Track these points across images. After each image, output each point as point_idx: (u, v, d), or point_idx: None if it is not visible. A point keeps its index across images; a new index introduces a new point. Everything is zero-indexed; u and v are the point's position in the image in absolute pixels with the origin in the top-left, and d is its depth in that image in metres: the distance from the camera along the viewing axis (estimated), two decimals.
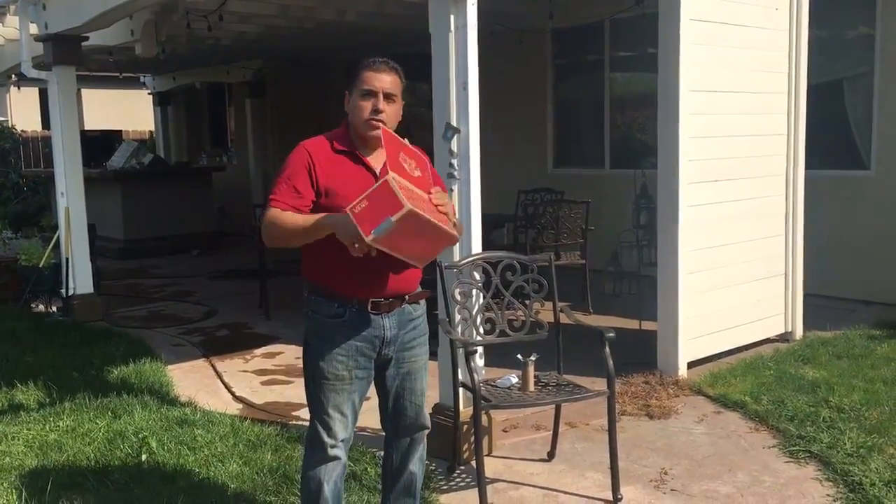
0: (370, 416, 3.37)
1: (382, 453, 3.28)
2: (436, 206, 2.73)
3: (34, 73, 7.90)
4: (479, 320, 4.00)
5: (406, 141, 2.84)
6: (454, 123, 4.05)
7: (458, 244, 3.58)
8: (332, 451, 2.97)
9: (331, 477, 2.99)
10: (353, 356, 2.93)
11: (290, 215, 2.82)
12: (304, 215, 2.82)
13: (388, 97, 2.89)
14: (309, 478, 3.01)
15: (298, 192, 2.84)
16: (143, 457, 4.19)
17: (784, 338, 6.22)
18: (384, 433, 3.20)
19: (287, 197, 2.84)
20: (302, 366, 3.05)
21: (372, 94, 2.88)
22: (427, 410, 3.19)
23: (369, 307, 2.91)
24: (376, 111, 2.87)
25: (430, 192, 2.74)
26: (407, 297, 2.99)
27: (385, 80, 2.89)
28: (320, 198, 2.86)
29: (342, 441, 2.99)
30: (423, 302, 3.09)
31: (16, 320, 7.47)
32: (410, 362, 3.05)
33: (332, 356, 2.92)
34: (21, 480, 3.96)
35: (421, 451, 3.19)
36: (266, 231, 2.88)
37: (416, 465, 3.18)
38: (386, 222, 2.57)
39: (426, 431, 3.19)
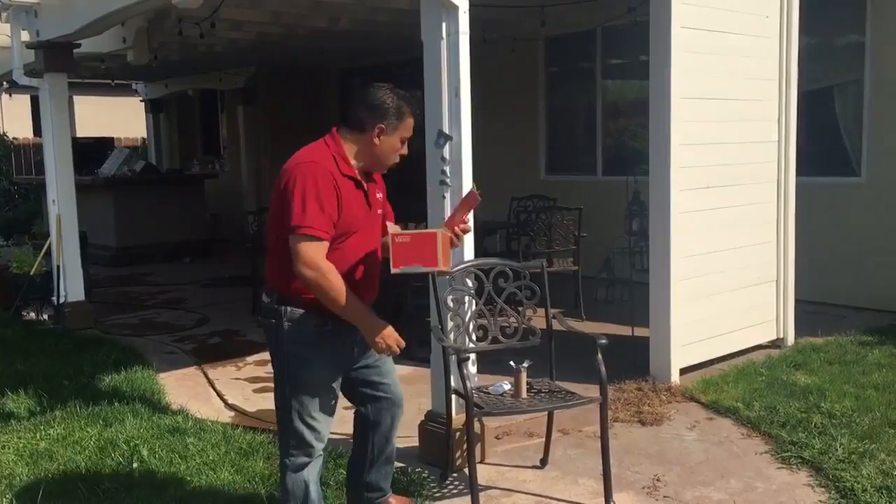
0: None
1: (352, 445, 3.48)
2: (460, 228, 3.21)
3: (26, 81, 7.87)
4: (471, 327, 4.01)
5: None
6: (446, 130, 4.06)
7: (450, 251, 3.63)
8: (317, 451, 3.11)
9: (312, 478, 3.12)
10: (338, 363, 3.10)
11: (344, 288, 2.87)
12: (355, 299, 2.91)
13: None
14: (294, 481, 3.09)
15: (331, 218, 2.89)
16: (135, 465, 4.17)
17: (776, 344, 6.23)
18: (359, 420, 3.41)
19: (325, 225, 2.87)
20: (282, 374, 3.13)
21: (407, 139, 3.14)
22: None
23: None
24: (401, 155, 3.16)
25: (465, 222, 3.25)
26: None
27: None
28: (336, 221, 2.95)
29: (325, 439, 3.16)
30: None
31: (6, 328, 7.45)
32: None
33: (320, 365, 3.03)
34: (11, 489, 3.95)
35: (398, 421, 3.43)
36: (321, 280, 2.85)
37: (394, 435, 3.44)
38: (415, 268, 2.98)
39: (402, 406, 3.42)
